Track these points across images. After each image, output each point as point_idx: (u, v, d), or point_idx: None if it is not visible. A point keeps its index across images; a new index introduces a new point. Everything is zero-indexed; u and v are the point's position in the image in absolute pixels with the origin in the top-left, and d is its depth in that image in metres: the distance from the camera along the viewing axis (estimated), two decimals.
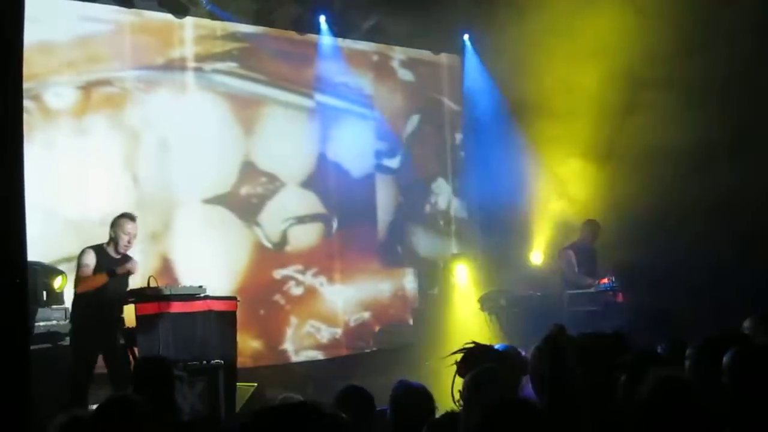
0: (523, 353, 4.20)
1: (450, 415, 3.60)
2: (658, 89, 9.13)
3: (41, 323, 7.25)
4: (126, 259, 7.44)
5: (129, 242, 7.43)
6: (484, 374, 3.58)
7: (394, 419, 4.02)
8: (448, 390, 3.91)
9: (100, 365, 7.37)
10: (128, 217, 7.45)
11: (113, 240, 7.38)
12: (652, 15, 9.03)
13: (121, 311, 7.30)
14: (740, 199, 8.79)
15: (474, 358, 3.89)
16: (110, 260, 7.36)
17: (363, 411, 4.12)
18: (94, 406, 6.60)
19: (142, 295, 7.04)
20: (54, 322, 7.41)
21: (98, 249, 7.36)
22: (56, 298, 7.82)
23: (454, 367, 3.92)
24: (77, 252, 7.49)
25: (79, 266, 7.27)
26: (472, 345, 4.03)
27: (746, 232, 8.88)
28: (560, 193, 10.84)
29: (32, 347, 6.11)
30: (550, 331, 3.00)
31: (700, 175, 8.79)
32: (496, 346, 4.31)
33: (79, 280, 7.24)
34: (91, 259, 7.26)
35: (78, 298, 7.24)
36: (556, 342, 2.89)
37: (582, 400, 2.72)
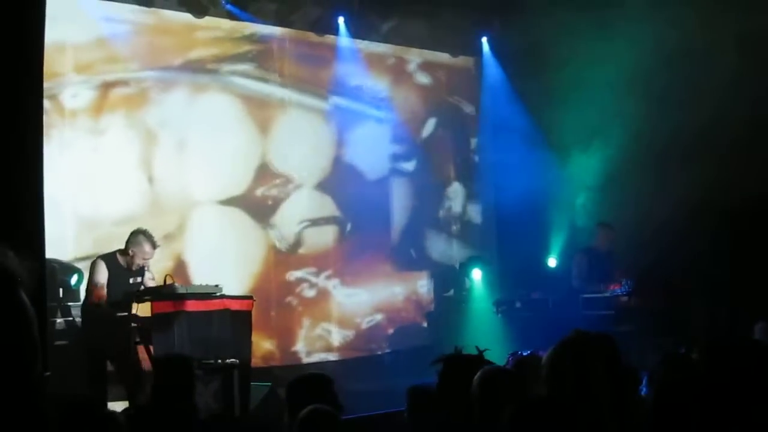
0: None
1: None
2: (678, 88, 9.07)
3: (58, 320, 7.30)
4: (139, 272, 7.42)
5: (145, 261, 7.42)
6: (494, 375, 3.59)
7: (412, 422, 4.01)
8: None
9: None
10: (150, 240, 7.39)
11: (128, 255, 7.33)
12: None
13: (131, 311, 7.28)
14: (759, 201, 8.75)
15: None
16: (122, 272, 7.33)
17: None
18: (111, 404, 6.64)
19: (157, 294, 7.06)
20: (71, 318, 7.46)
21: (110, 259, 7.30)
22: (73, 295, 7.89)
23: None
24: (93, 250, 7.51)
25: (91, 280, 7.23)
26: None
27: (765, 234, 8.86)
28: (576, 195, 10.81)
29: None
30: (571, 334, 3.02)
31: (717, 178, 8.75)
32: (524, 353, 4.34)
33: (91, 294, 7.20)
34: (103, 276, 7.20)
35: (88, 305, 7.23)
36: (578, 342, 2.90)
37: (605, 397, 2.74)
